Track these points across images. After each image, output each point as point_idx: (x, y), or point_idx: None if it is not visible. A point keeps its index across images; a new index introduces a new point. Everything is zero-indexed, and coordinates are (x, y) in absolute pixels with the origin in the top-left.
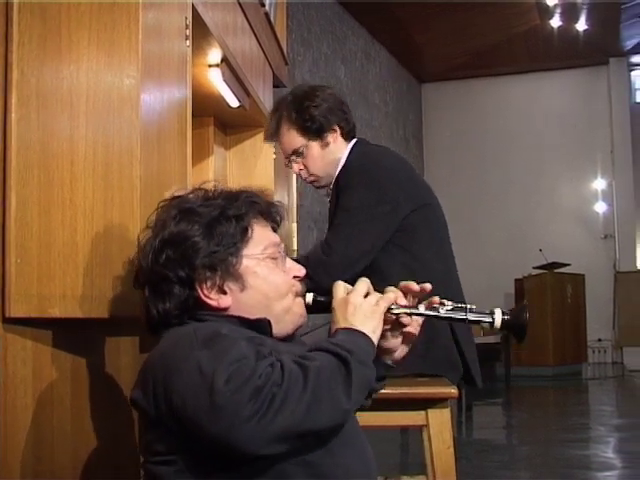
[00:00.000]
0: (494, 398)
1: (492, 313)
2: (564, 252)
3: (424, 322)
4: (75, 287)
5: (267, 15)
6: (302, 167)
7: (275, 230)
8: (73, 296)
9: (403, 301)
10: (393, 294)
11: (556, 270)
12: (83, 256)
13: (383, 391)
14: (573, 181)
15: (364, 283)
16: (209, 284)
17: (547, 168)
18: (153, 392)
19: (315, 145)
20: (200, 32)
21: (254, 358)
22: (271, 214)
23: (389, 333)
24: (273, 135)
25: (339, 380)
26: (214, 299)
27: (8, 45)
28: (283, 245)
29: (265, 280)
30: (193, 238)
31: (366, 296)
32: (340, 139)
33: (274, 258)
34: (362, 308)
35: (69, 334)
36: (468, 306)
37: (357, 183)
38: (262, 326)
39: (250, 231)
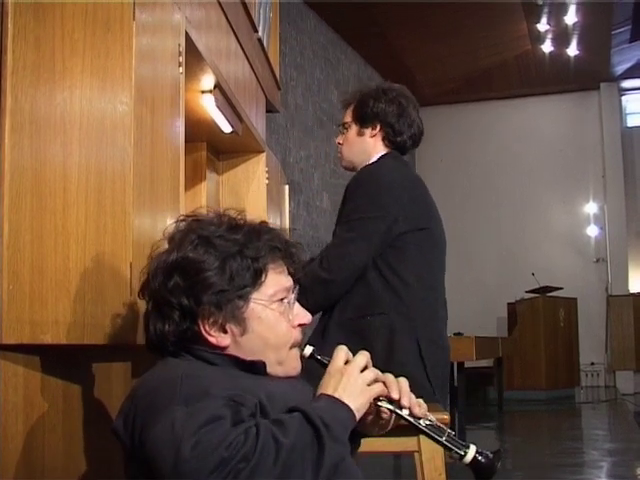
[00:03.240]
0: (487, 422)
1: (467, 447)
2: (556, 276)
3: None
4: (67, 314)
5: (260, 40)
6: (341, 141)
7: (290, 273)
8: (65, 323)
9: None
10: (384, 389)
11: (548, 294)
12: (75, 282)
13: None
14: (565, 205)
15: (364, 357)
16: (211, 321)
17: (539, 192)
18: (131, 428)
19: (354, 128)
20: (193, 58)
21: (230, 421)
22: (290, 257)
23: (367, 418)
24: (346, 101)
25: (309, 461)
26: (214, 336)
27: (2, 72)
28: (296, 290)
29: (268, 327)
30: (206, 272)
31: (363, 370)
32: (379, 140)
33: (282, 304)
34: (356, 384)
35: (60, 360)
36: (448, 431)
37: (360, 195)
38: (257, 368)
39: (264, 275)
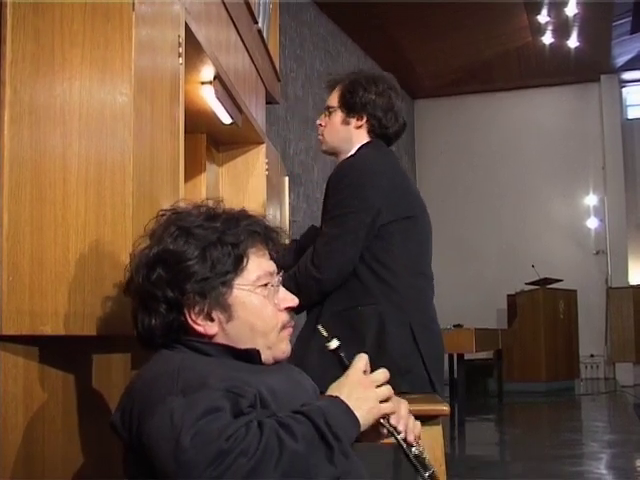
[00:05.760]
0: (486, 414)
1: None
2: (556, 268)
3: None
4: (67, 305)
5: (260, 32)
6: (323, 124)
7: (272, 257)
8: (65, 314)
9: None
10: (394, 409)
11: (548, 286)
12: (75, 273)
13: None
14: (565, 197)
15: (383, 374)
16: (197, 309)
17: (539, 184)
18: (129, 421)
19: (339, 115)
20: (193, 49)
21: (230, 412)
22: (270, 242)
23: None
24: (332, 83)
25: (314, 469)
26: (201, 325)
27: (1, 63)
28: (281, 274)
29: (253, 313)
30: (187, 261)
31: (378, 386)
32: (364, 131)
33: (266, 288)
34: (368, 399)
35: (60, 351)
36: (434, 470)
37: (342, 189)
38: (251, 356)
39: (245, 260)
